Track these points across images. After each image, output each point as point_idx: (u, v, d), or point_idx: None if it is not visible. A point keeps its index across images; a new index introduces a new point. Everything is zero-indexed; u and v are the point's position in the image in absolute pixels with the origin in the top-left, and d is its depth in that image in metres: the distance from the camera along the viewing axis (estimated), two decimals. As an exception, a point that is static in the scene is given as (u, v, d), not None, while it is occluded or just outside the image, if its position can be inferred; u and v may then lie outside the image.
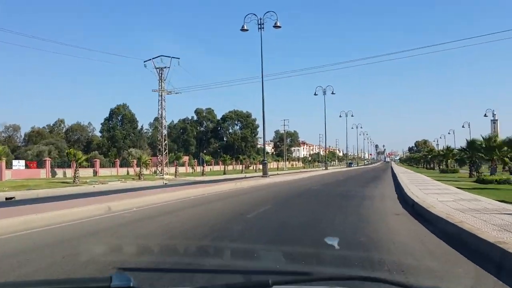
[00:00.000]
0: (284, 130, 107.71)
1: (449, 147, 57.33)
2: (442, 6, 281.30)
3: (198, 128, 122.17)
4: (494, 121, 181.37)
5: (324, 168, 74.68)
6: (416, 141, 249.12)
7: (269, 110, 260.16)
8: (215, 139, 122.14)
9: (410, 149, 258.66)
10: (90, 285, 2.16)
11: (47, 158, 56.31)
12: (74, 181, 36.81)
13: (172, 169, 55.32)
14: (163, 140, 51.20)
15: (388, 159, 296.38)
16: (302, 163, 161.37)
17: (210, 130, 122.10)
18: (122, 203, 14.10)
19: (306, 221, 11.08)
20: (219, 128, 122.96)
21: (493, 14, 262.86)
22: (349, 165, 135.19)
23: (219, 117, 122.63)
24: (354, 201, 16.83)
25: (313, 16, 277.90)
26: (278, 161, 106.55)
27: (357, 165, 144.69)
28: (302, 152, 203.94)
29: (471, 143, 39.78)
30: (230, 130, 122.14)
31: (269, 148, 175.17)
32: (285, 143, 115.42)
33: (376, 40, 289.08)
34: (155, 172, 53.79)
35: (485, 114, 56.44)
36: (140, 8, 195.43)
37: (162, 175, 49.47)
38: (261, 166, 38.11)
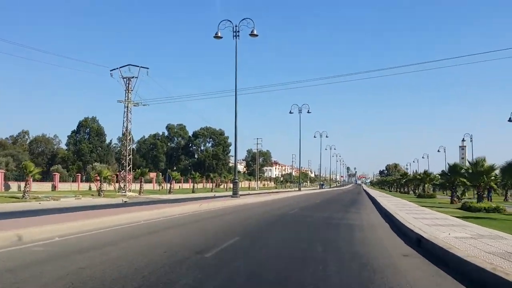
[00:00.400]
0: (257, 149, 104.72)
1: (426, 171, 55.15)
2: (421, 28, 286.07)
3: (169, 144, 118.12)
4: (462, 148, 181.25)
5: (297, 189, 71.40)
6: (387, 165, 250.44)
7: (242, 128, 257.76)
8: (186, 156, 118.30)
9: (381, 173, 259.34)
10: None
11: (1, 170, 51.62)
12: (23, 196, 32.81)
13: (138, 186, 51.64)
14: (128, 154, 47.24)
15: (359, 182, 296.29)
16: (274, 183, 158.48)
17: (181, 147, 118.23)
18: (43, 229, 10.58)
19: (288, 265, 7.81)
20: (190, 145, 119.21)
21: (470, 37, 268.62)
22: (321, 186, 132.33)
23: (191, 133, 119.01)
24: (342, 231, 13.74)
25: (289, 33, 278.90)
26: (250, 180, 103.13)
27: (330, 187, 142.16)
28: (274, 172, 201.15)
29: (453, 168, 37.43)
30: (202, 147, 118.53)
31: (241, 167, 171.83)
32: (257, 162, 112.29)
33: (350, 61, 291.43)
34: (119, 188, 49.86)
35: (463, 139, 54.41)
36: (112, 17, 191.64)
37: (125, 192, 45.52)
38: (232, 185, 34.85)
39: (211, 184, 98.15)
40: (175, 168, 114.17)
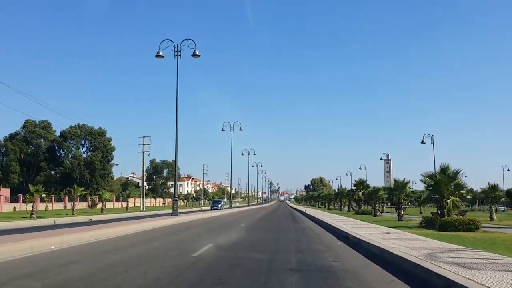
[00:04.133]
0: (143, 152, 70.35)
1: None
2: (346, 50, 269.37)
3: (26, 148, 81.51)
4: (387, 161, 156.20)
5: (172, 212, 31.27)
6: (312, 179, 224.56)
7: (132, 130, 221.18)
8: (51, 164, 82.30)
9: (306, 188, 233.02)
10: None
11: None
12: None
13: None
14: None
15: (282, 198, 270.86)
16: (183, 200, 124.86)
17: (44, 152, 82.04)
18: None
19: None
20: (56, 149, 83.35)
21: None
22: (213, 205, 73.06)
23: (58, 133, 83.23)
24: None
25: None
26: (128, 196, 68.12)
27: (248, 205, 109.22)
28: (187, 187, 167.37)
29: None
30: (76, 153, 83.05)
31: (141, 181, 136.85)
32: (143, 169, 77.25)
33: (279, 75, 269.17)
34: None
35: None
36: None
37: None
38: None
39: (78, 203, 64.89)
40: (34, 181, 78.29)
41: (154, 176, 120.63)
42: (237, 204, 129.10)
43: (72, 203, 47.33)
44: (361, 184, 47.59)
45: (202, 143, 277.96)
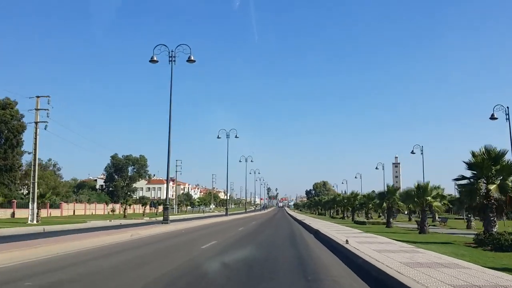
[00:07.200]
0: (36, 122, 38.65)
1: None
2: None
3: None
4: (396, 165, 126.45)
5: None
6: (315, 183, 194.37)
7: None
8: None
9: (307, 193, 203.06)
10: None
11: None
12: None
13: None
14: None
15: (280, 205, 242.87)
16: (155, 207, 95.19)
17: None
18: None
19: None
20: None
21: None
22: None
23: None
24: None
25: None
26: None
27: (226, 214, 78.89)
28: (169, 191, 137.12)
29: None
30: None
31: (101, 182, 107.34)
32: (34, 151, 45.48)
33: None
34: None
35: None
36: None
37: None
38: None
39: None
40: None
41: (116, 176, 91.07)
42: (227, 212, 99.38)
43: None
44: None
45: (197, 147, 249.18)
